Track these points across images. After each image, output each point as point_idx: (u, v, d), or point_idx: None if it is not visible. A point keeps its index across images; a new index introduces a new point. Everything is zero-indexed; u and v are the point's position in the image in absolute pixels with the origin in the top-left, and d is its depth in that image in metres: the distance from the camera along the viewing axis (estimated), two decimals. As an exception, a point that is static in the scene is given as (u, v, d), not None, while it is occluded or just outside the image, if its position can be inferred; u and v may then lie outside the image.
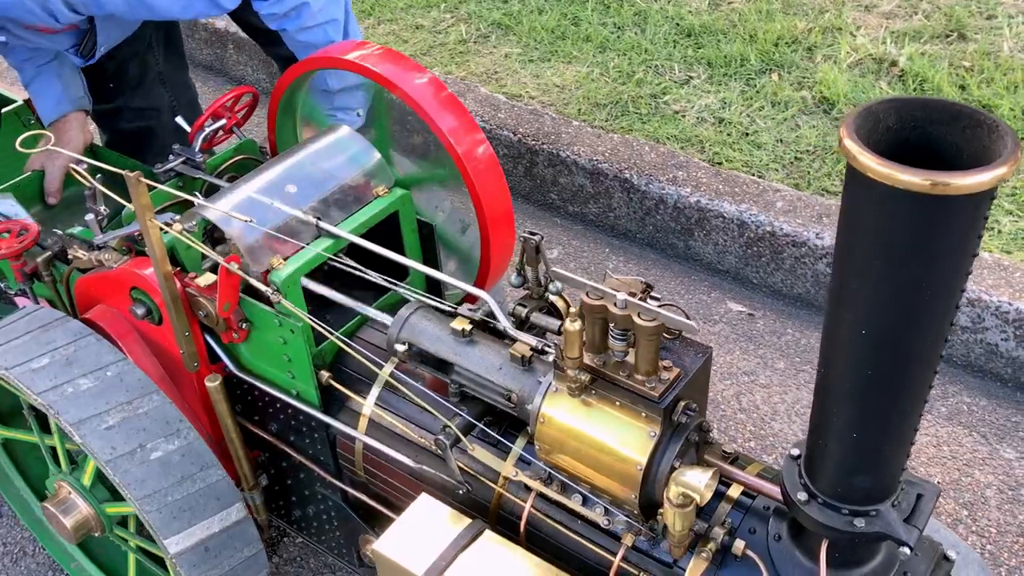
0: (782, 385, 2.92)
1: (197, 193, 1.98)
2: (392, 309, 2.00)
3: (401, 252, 2.02)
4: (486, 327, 1.74)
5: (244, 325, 1.86)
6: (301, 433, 1.98)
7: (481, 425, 1.71)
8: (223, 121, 2.16)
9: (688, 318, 1.43)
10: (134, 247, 1.99)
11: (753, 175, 3.38)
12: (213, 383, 1.92)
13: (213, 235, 1.97)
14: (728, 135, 3.56)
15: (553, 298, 1.75)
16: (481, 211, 1.99)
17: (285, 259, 1.80)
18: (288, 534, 2.53)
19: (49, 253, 2.17)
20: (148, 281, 1.89)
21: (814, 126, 3.56)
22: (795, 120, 3.61)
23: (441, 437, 1.67)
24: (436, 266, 2.10)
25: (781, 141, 3.52)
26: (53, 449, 2.17)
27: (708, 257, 3.34)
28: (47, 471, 2.37)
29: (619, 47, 4.06)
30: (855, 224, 1.14)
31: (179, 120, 2.22)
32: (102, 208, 1.99)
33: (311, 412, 1.89)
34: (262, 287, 1.74)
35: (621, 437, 1.47)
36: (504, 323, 1.66)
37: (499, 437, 1.72)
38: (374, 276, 1.87)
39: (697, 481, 1.37)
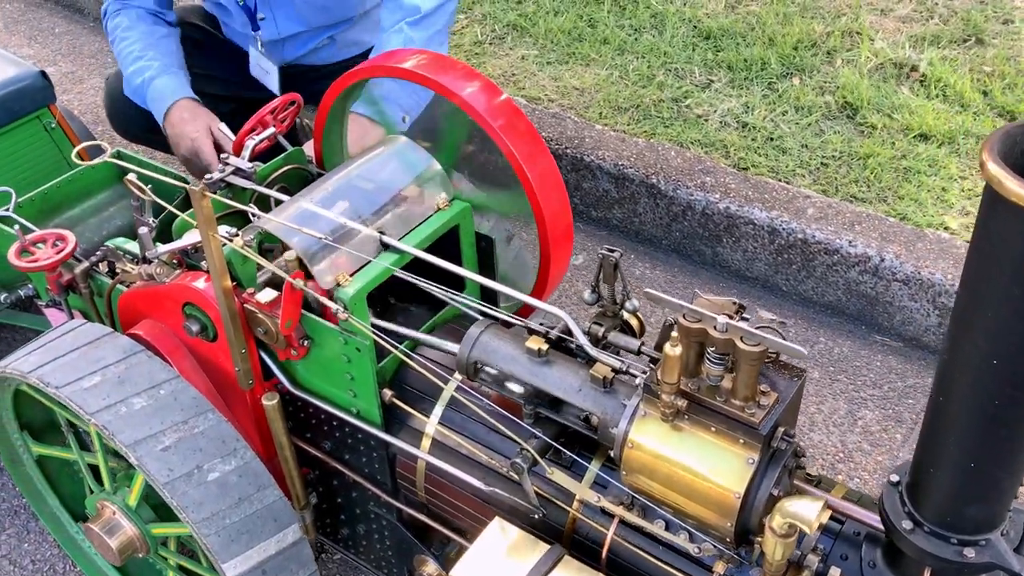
0: (818, 395, 2.89)
1: (252, 205, 1.91)
2: (448, 325, 1.96)
3: (458, 265, 1.97)
4: (559, 345, 1.70)
5: (305, 342, 1.81)
6: (358, 452, 1.93)
7: (557, 446, 1.66)
8: (272, 129, 2.09)
9: (784, 338, 1.40)
10: (184, 260, 1.92)
11: (780, 180, 3.35)
12: (271, 402, 1.86)
13: (262, 249, 1.91)
14: (753, 140, 3.53)
15: (628, 316, 1.71)
16: (543, 225, 1.94)
17: (351, 275, 1.75)
18: (326, 550, 2.47)
19: (87, 264, 2.11)
20: (204, 297, 1.83)
21: (838, 131, 3.54)
22: (819, 125, 3.58)
23: (518, 460, 1.62)
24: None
25: (806, 146, 3.49)
26: (93, 467, 2.11)
27: (736, 264, 3.31)
28: (80, 489, 2.30)
29: (637, 50, 4.02)
30: (994, 250, 1.10)
31: (222, 128, 2.15)
32: (152, 220, 1.92)
33: (372, 431, 1.84)
34: (330, 304, 1.68)
35: (718, 464, 1.43)
36: (583, 343, 1.61)
37: (575, 457, 1.67)
38: (437, 290, 1.81)
39: (808, 512, 1.33)
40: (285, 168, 2.08)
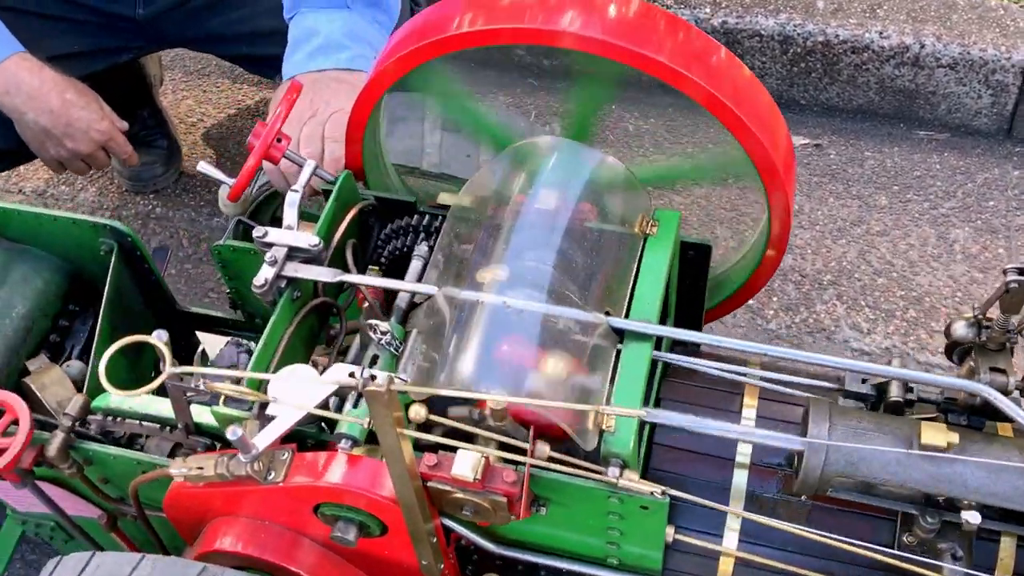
0: (899, 226, 2.48)
1: (379, 335, 1.16)
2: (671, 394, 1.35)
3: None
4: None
5: (540, 510, 1.16)
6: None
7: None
8: (312, 164, 1.29)
9: None
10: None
11: (756, -32, 2.75)
12: (496, 594, 1.23)
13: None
14: (703, -79, 2.87)
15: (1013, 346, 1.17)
16: (775, 174, 1.29)
17: (606, 403, 1.09)
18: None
19: (64, 436, 1.32)
20: (362, 495, 1.13)
21: None
22: None
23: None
24: (701, 305, 1.41)
25: (766, -85, 2.87)
26: None
27: (741, 86, 2.74)
28: None
29: None
30: None
31: (203, 167, 1.33)
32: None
33: (644, 579, 1.26)
34: (623, 482, 1.04)
35: None
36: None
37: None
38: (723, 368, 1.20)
39: None
40: (347, 216, 1.29)
